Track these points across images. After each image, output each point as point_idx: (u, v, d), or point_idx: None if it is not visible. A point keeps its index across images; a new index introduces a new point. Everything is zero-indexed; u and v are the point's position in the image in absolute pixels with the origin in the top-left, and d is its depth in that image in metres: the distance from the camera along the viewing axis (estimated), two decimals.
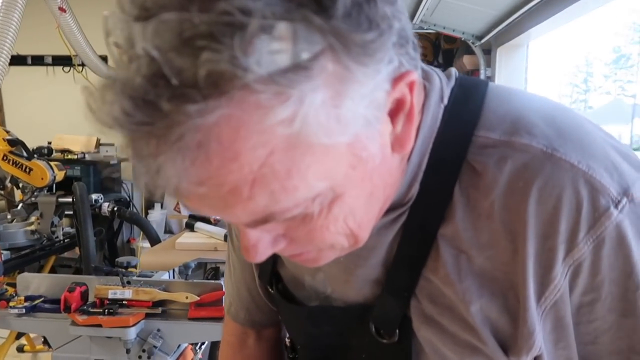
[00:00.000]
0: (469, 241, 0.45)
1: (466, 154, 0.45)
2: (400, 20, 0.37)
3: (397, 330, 0.50)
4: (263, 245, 0.40)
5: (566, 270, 0.42)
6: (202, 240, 2.34)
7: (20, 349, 2.91)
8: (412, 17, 3.78)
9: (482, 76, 4.02)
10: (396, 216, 0.48)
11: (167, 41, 0.29)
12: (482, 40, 3.94)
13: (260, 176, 0.33)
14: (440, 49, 5.04)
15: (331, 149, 0.34)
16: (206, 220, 2.52)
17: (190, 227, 2.50)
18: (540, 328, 0.44)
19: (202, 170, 0.32)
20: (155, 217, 4.15)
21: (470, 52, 4.20)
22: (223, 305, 1.57)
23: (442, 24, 3.90)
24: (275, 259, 0.61)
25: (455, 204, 0.45)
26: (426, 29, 4.08)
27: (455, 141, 0.46)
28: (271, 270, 0.61)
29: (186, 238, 2.38)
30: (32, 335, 2.91)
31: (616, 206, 0.41)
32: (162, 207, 4.43)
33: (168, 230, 4.34)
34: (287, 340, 0.67)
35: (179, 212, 4.23)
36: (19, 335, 2.46)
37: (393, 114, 0.39)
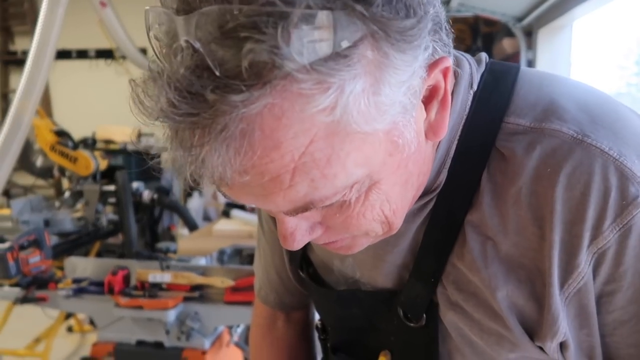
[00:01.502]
0: (496, 228, 0.44)
1: (495, 141, 0.44)
2: (434, 5, 0.37)
3: (425, 315, 0.50)
4: (300, 233, 0.41)
5: (590, 258, 0.41)
6: (238, 227, 2.40)
7: (69, 329, 3.08)
8: (449, 0, 3.70)
9: (523, 59, 3.89)
10: (424, 203, 0.47)
11: (210, 33, 0.30)
12: (523, 22, 3.81)
13: (301, 164, 0.33)
14: (479, 32, 4.90)
15: (370, 136, 0.35)
16: (242, 207, 2.57)
17: (226, 214, 2.56)
18: (564, 314, 0.43)
19: (245, 159, 0.32)
20: (194, 205, 4.25)
21: (511, 34, 4.07)
22: None
23: (481, 5, 3.79)
24: (306, 245, 0.62)
25: (482, 190, 0.45)
26: (464, 12, 3.98)
27: (483, 128, 0.45)
28: (302, 255, 0.63)
29: (223, 225, 2.44)
30: (80, 316, 3.06)
31: None
32: (200, 195, 4.54)
33: (206, 218, 4.44)
34: (319, 322, 0.68)
35: (217, 200, 4.33)
36: (68, 316, 2.59)
37: (427, 100, 0.39)
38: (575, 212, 0.40)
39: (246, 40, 0.29)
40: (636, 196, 0.39)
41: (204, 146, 0.32)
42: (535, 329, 0.45)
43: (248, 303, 1.61)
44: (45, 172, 2.77)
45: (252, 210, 2.57)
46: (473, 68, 0.47)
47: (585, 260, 0.41)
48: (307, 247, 0.62)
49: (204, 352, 1.63)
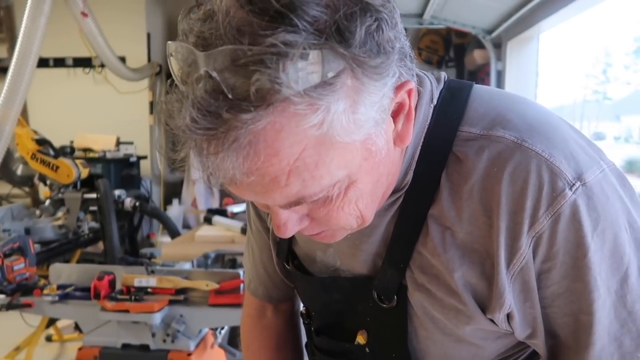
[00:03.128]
0: (453, 219, 0.53)
1: (451, 146, 0.53)
2: (400, 40, 0.46)
3: (395, 296, 0.58)
4: (291, 223, 0.49)
5: (530, 241, 0.49)
6: (220, 232, 2.45)
7: (48, 339, 3.06)
8: (422, 13, 3.83)
9: (492, 70, 4.04)
10: (394, 200, 0.56)
11: (225, 65, 0.38)
12: (493, 34, 3.97)
13: (295, 168, 0.42)
14: (451, 43, 5.06)
15: (349, 145, 0.44)
16: (223, 214, 2.62)
17: (208, 220, 2.61)
18: (510, 289, 0.51)
19: (251, 164, 0.41)
20: (174, 212, 4.27)
21: (481, 46, 4.23)
22: (241, 292, 1.66)
23: (453, 18, 3.94)
24: (291, 239, 0.70)
25: (442, 188, 0.53)
26: (437, 24, 4.12)
27: (442, 136, 0.54)
28: (287, 249, 0.70)
29: (205, 231, 2.49)
30: (59, 325, 3.04)
31: (571, 188, 0.48)
32: (179, 202, 4.55)
33: (186, 225, 4.46)
34: (303, 309, 0.76)
35: (196, 207, 4.35)
36: (49, 324, 2.59)
37: (395, 115, 0.48)
38: (516, 203, 0.49)
39: (254, 72, 0.38)
40: (563, 189, 0.48)
41: (218, 154, 0.40)
42: (486, 303, 0.53)
43: (232, 305, 1.66)
44: (26, 181, 2.77)
45: (233, 216, 2.62)
46: (433, 85, 0.57)
47: (526, 243, 0.49)
48: (292, 241, 0.70)
49: (189, 354, 1.67)
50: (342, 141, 0.42)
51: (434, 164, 0.54)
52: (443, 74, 0.59)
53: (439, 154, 0.53)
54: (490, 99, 0.55)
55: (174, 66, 0.43)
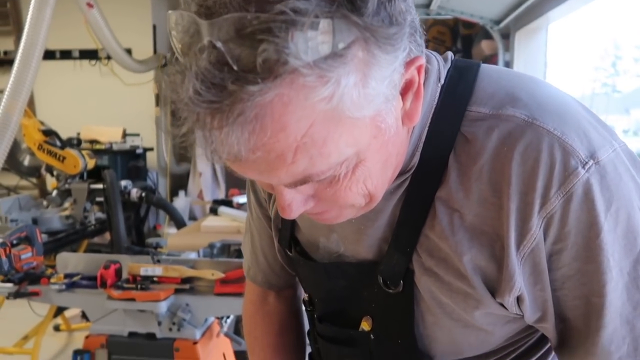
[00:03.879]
0: (461, 201, 0.51)
1: (460, 126, 0.52)
2: (411, 13, 0.44)
3: (402, 282, 0.57)
4: (296, 204, 0.48)
5: (541, 221, 0.48)
6: (226, 223, 2.45)
7: (56, 328, 3.09)
8: (429, 3, 3.79)
9: (500, 61, 4.01)
10: (400, 182, 0.55)
11: (229, 35, 0.36)
12: (501, 25, 3.92)
13: (302, 144, 0.40)
14: (459, 34, 5.01)
15: (359, 121, 0.42)
16: (229, 204, 2.62)
17: (214, 211, 2.61)
18: (520, 272, 0.50)
19: (257, 140, 0.39)
20: (180, 204, 4.29)
21: (489, 37, 4.18)
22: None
23: (460, 9, 3.90)
24: (293, 226, 0.69)
25: (449, 169, 0.52)
26: (444, 15, 4.08)
27: (450, 116, 0.52)
28: (290, 236, 0.69)
29: (211, 221, 2.49)
30: (67, 315, 3.07)
31: (584, 167, 0.46)
32: (186, 194, 4.56)
33: (192, 217, 4.48)
34: (305, 296, 0.75)
35: (202, 199, 4.36)
36: (57, 314, 2.61)
37: (404, 92, 0.47)
38: (527, 183, 0.48)
39: (261, 42, 0.36)
40: (576, 167, 0.47)
41: (222, 128, 0.39)
42: (495, 287, 0.52)
43: (237, 294, 1.67)
44: (33, 172, 2.78)
45: (239, 207, 2.62)
46: (440, 65, 0.55)
47: (536, 224, 0.48)
48: (295, 228, 0.69)
49: (195, 343, 1.68)
50: (352, 117, 0.41)
51: (441, 145, 0.52)
52: (450, 53, 0.57)
53: (447, 134, 0.52)
54: (499, 78, 0.54)
55: (175, 37, 0.41)
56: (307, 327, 0.78)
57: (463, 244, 0.52)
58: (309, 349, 0.82)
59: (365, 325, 0.63)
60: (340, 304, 0.66)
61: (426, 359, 0.60)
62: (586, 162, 0.47)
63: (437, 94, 0.53)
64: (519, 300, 0.52)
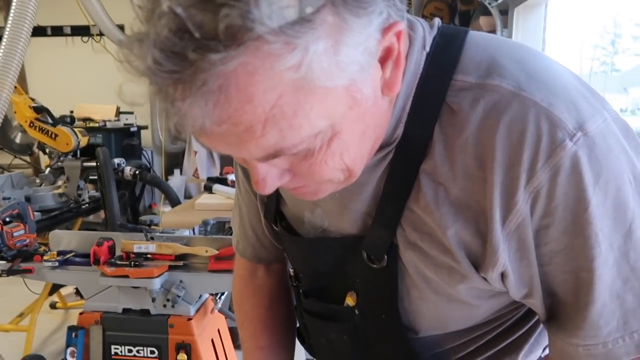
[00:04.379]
0: (446, 174, 0.50)
1: (445, 96, 0.50)
2: None
3: (386, 256, 0.56)
4: (271, 178, 0.46)
5: (527, 196, 0.47)
6: (220, 200, 2.44)
7: (52, 306, 3.10)
8: None
9: None
10: (384, 155, 0.53)
11: (190, 0, 0.34)
12: (499, 0, 3.86)
13: (271, 116, 0.38)
14: (457, 10, 4.94)
15: (331, 91, 0.40)
16: (224, 182, 2.61)
17: (208, 189, 2.60)
18: (504, 247, 0.49)
19: (222, 111, 0.37)
20: (175, 182, 4.27)
21: (487, 13, 4.12)
22: None
23: None
24: (278, 200, 0.68)
25: (435, 141, 0.50)
26: None
27: (435, 85, 0.51)
28: (275, 210, 0.68)
29: (205, 199, 2.48)
30: (63, 293, 3.09)
31: (571, 139, 0.45)
32: (181, 172, 4.55)
33: (188, 195, 4.46)
34: (291, 271, 0.74)
35: (198, 177, 4.35)
36: (52, 292, 2.62)
37: (383, 60, 0.45)
38: (513, 157, 0.46)
39: (223, 6, 0.34)
40: (563, 140, 0.45)
41: (185, 100, 0.37)
42: (479, 261, 0.51)
43: (231, 271, 1.65)
44: (25, 149, 2.76)
45: (233, 184, 2.61)
46: (426, 31, 0.53)
47: (522, 199, 0.47)
48: (280, 202, 0.68)
49: (189, 319, 1.69)
50: (323, 86, 0.39)
51: (426, 116, 0.51)
52: (437, 20, 0.55)
53: (432, 105, 0.50)
54: (487, 46, 0.52)
55: (136, 3, 0.39)
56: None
57: (448, 218, 0.51)
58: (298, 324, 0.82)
59: (349, 301, 0.62)
60: (324, 280, 0.66)
61: (411, 333, 0.60)
62: (574, 134, 0.45)
63: (422, 62, 0.52)
64: (503, 276, 0.51)
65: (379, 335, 0.62)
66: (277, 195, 0.67)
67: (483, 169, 0.48)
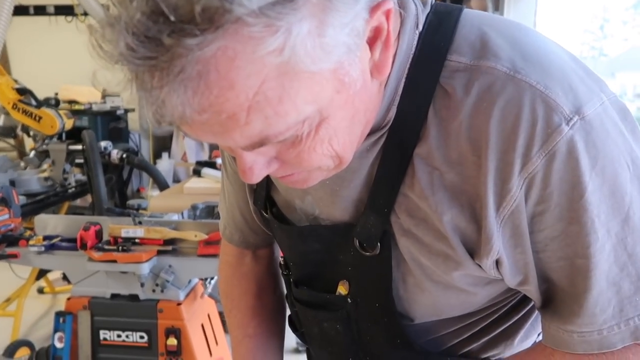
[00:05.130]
0: (441, 159, 0.49)
1: (439, 78, 0.48)
2: None
3: (379, 244, 0.55)
4: (258, 167, 0.44)
5: (522, 182, 0.45)
6: (209, 184, 2.42)
7: (40, 291, 3.07)
8: None
9: None
10: (376, 139, 0.52)
11: None
12: None
13: (255, 103, 0.36)
14: None
15: (317, 75, 0.38)
16: (213, 166, 2.58)
17: (197, 173, 2.57)
18: (499, 234, 0.48)
19: (203, 99, 0.35)
20: (164, 166, 4.22)
21: None
22: None
23: None
24: (269, 186, 0.66)
25: (429, 124, 0.49)
26: None
27: (428, 66, 0.49)
28: (265, 196, 0.66)
29: (194, 183, 2.46)
30: (50, 278, 3.06)
31: (567, 123, 0.43)
32: (169, 156, 4.50)
33: (176, 179, 4.42)
34: (281, 259, 0.73)
35: (186, 161, 4.30)
36: (39, 277, 2.59)
37: (371, 41, 0.43)
38: (507, 142, 0.45)
39: None
40: (559, 124, 0.44)
41: (163, 87, 0.35)
42: (475, 248, 0.50)
43: None
44: (9, 132, 2.69)
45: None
46: (419, 9, 0.51)
47: (517, 185, 0.46)
48: (271, 188, 0.66)
49: (178, 304, 1.68)
50: (308, 70, 0.37)
51: (420, 98, 0.49)
52: None
53: (426, 86, 0.48)
54: (482, 24, 0.50)
55: None
56: (285, 289, 0.77)
57: (443, 204, 0.49)
58: (289, 312, 0.81)
59: (342, 289, 0.61)
60: (316, 268, 0.64)
61: (406, 320, 0.59)
62: (570, 118, 0.44)
63: (415, 42, 0.49)
64: (497, 263, 0.50)
65: (372, 324, 0.61)
66: (267, 181, 0.65)
67: (477, 154, 0.47)
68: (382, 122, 0.50)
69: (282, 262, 0.73)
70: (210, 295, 1.84)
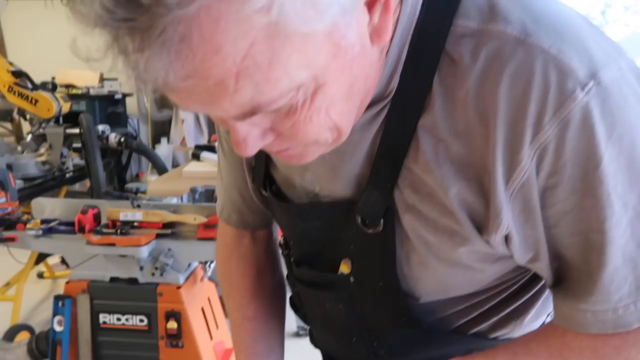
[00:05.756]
0: (447, 130, 0.46)
1: (444, 44, 0.45)
2: None
3: (382, 220, 0.53)
4: (252, 139, 0.42)
5: (533, 153, 0.43)
6: (209, 168, 2.40)
7: (40, 275, 3.07)
8: None
9: None
10: (378, 110, 0.49)
11: None
12: None
13: (243, 68, 0.34)
14: None
15: (310, 37, 0.36)
16: (212, 149, 2.56)
17: (196, 157, 2.55)
18: (508, 209, 0.46)
19: (187, 64, 0.33)
20: (162, 151, 4.20)
21: None
22: None
23: None
24: (268, 164, 0.63)
25: (434, 94, 0.46)
26: None
27: (433, 32, 0.46)
28: (265, 174, 0.64)
29: (193, 167, 2.44)
30: (50, 262, 3.05)
31: (582, 89, 0.41)
32: (168, 141, 4.47)
33: (175, 164, 4.40)
34: (281, 238, 0.71)
35: (185, 145, 4.28)
36: (38, 261, 2.58)
37: (370, 4, 0.40)
38: (517, 111, 0.42)
39: None
40: (573, 91, 0.41)
41: (144, 51, 0.33)
42: (482, 223, 0.48)
43: None
44: (5, 115, 2.66)
45: None
46: None
47: (527, 156, 0.43)
48: (270, 165, 0.64)
49: (178, 287, 1.67)
50: (300, 31, 0.34)
51: (424, 66, 0.46)
52: None
53: (431, 54, 0.46)
54: None
55: None
56: (285, 270, 0.75)
57: (449, 177, 0.47)
58: (289, 294, 0.79)
59: (344, 268, 0.59)
60: (317, 247, 0.62)
61: (411, 299, 0.58)
62: (585, 84, 0.41)
63: (419, 6, 0.47)
64: (506, 239, 0.48)
65: (376, 303, 0.59)
66: (266, 158, 0.63)
67: (485, 125, 0.44)
68: (384, 93, 0.48)
69: (281, 242, 0.71)
70: (210, 279, 1.83)
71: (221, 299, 1.96)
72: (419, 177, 0.49)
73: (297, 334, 2.28)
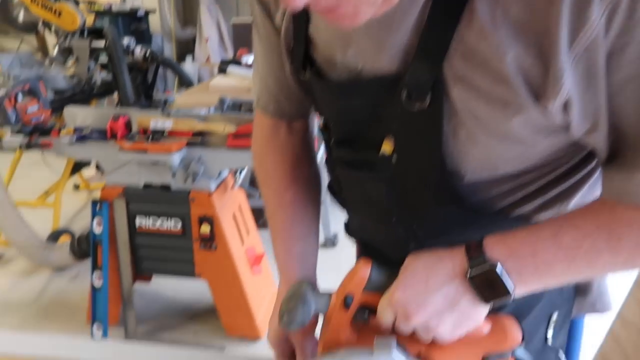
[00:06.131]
0: None
1: None
2: None
3: (429, 95, 0.50)
4: None
5: (603, 9, 0.39)
6: (235, 82, 2.36)
7: (76, 187, 3.19)
8: None
9: None
10: None
11: None
12: None
13: None
14: None
15: None
16: (238, 63, 2.51)
17: (223, 71, 2.51)
18: (570, 73, 0.43)
19: None
20: (187, 69, 4.15)
21: None
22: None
23: None
24: (307, 45, 0.61)
25: None
26: None
27: None
28: (304, 54, 0.62)
29: (220, 80, 2.41)
30: (85, 175, 3.15)
31: None
32: (193, 59, 4.41)
33: (200, 82, 4.38)
34: (321, 122, 0.70)
35: (210, 62, 4.22)
36: (73, 171, 2.67)
37: None
38: None
39: None
40: None
41: None
42: (540, 90, 0.45)
43: (250, 148, 1.65)
44: (29, 27, 2.64)
45: (248, 66, 2.51)
46: None
47: (597, 13, 0.40)
48: (310, 47, 0.61)
49: (209, 194, 1.71)
50: None
51: None
52: None
53: None
54: None
55: None
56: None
57: (506, 41, 0.44)
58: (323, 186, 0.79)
59: (386, 148, 0.58)
60: (358, 126, 0.61)
61: (455, 178, 0.56)
62: None
63: None
64: (565, 106, 0.45)
65: (419, 182, 0.58)
66: (305, 39, 0.60)
67: None
68: None
69: (321, 125, 0.70)
70: (241, 187, 1.87)
71: (252, 210, 2.00)
72: (472, 45, 0.46)
73: (323, 245, 2.35)
